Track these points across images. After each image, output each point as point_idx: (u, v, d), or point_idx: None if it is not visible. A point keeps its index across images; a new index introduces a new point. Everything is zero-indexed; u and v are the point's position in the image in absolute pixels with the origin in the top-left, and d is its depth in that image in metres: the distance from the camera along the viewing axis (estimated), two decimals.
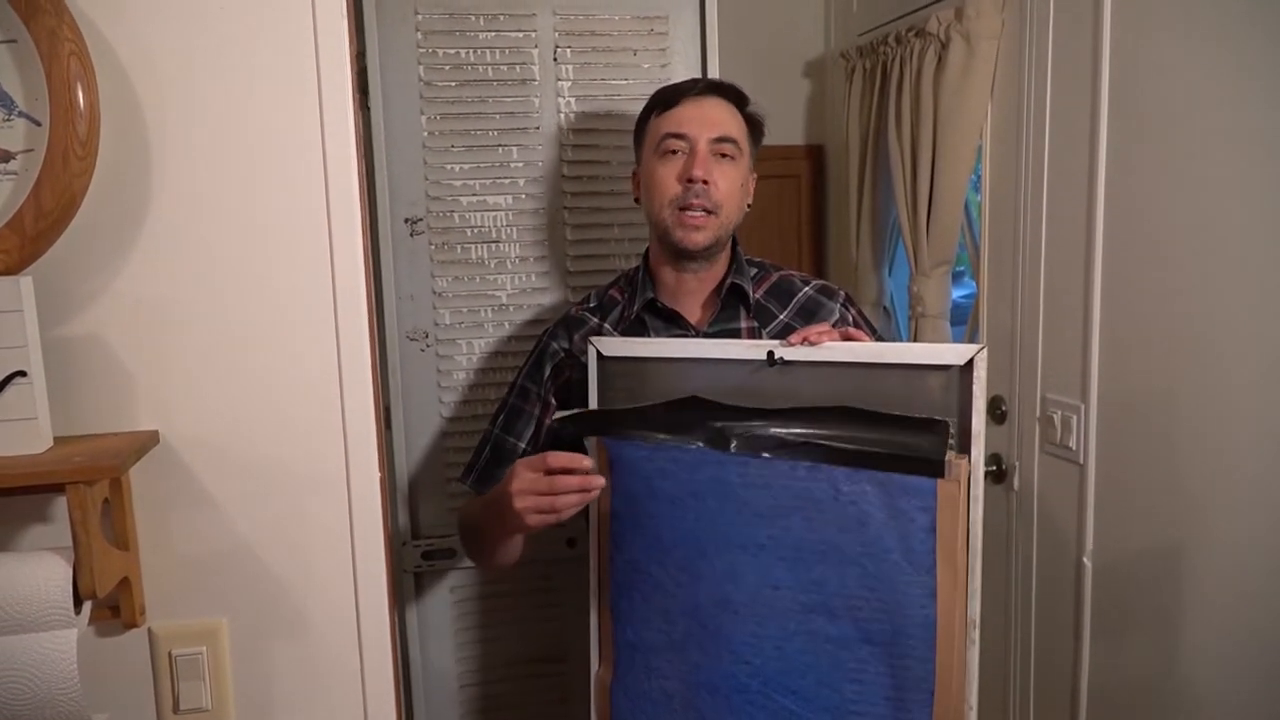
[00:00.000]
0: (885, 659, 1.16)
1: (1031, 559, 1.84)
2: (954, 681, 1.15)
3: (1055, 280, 1.75)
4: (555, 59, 1.76)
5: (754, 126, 1.46)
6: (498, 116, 1.75)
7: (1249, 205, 1.34)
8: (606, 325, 1.48)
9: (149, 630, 1.06)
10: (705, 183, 1.37)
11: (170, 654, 1.07)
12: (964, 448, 1.13)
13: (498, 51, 1.74)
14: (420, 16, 1.71)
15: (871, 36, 2.33)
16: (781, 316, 1.43)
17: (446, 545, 1.83)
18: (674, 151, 1.39)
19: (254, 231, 1.04)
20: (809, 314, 1.43)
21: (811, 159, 2.73)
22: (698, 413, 1.20)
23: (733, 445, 1.17)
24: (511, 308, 1.80)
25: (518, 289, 1.79)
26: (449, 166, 1.75)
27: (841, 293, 1.49)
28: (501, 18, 1.73)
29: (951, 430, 1.12)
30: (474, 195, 1.76)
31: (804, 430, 1.15)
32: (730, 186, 1.40)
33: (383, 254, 1.73)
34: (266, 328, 1.05)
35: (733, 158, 1.40)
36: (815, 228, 2.76)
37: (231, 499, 1.07)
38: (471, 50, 1.73)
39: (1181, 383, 1.46)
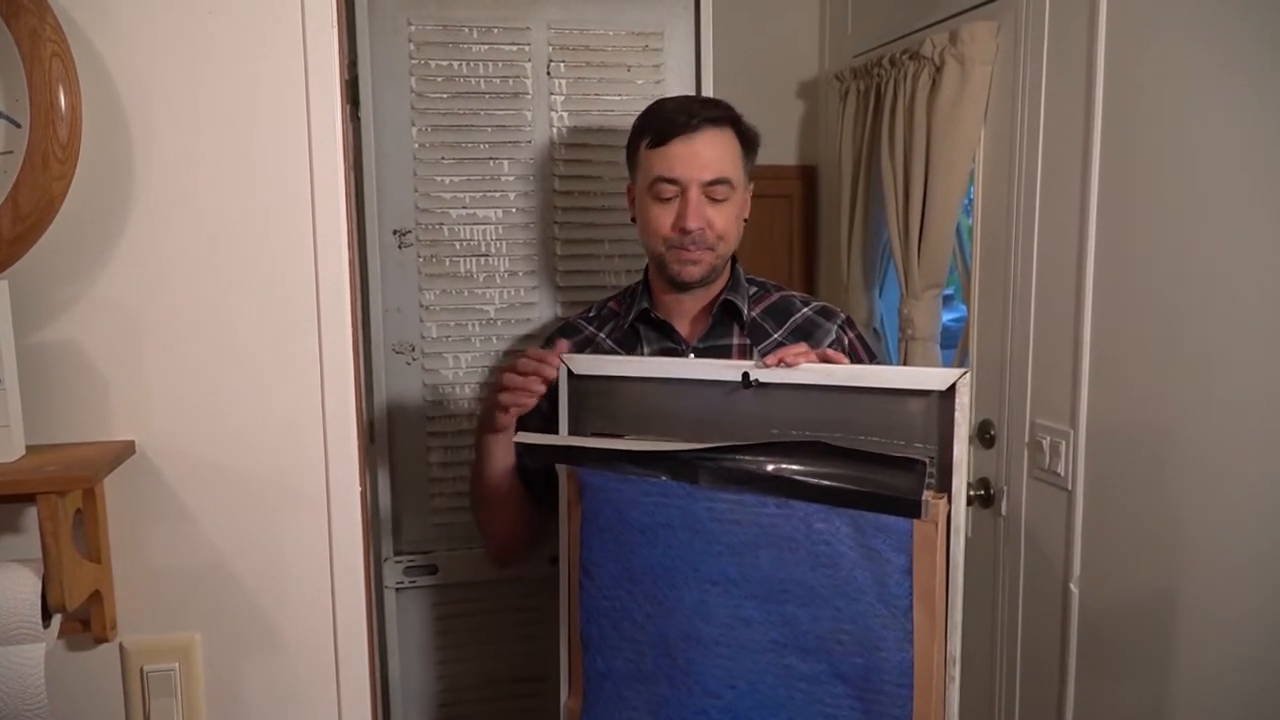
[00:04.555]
0: (860, 699, 1.12)
1: (1018, 584, 1.83)
2: None
3: (1046, 305, 1.74)
4: (549, 73, 1.75)
5: (748, 144, 1.44)
6: (489, 129, 1.74)
7: (1243, 231, 1.33)
8: (601, 335, 1.49)
9: (120, 645, 1.04)
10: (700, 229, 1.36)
11: (142, 670, 1.04)
12: (945, 478, 1.10)
13: (490, 64, 1.73)
14: (413, 28, 1.70)
15: (866, 58, 2.34)
16: (775, 335, 1.43)
17: (429, 562, 1.80)
18: (667, 197, 1.37)
19: (236, 241, 1.02)
20: (804, 334, 1.42)
21: (804, 179, 2.73)
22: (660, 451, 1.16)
23: (700, 477, 1.14)
24: (500, 322, 1.78)
25: (506, 303, 1.78)
26: (439, 179, 1.73)
27: (841, 314, 1.48)
28: (495, 30, 1.72)
29: (930, 468, 1.08)
30: (464, 208, 1.75)
31: (776, 465, 1.11)
32: (726, 222, 1.39)
33: (370, 265, 1.72)
34: (247, 338, 1.04)
35: (726, 198, 1.38)
36: (806, 248, 2.75)
37: (208, 512, 1.05)
38: (464, 62, 1.72)
39: (1172, 410, 1.45)
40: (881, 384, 1.14)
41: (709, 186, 1.36)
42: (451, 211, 1.75)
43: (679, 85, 1.80)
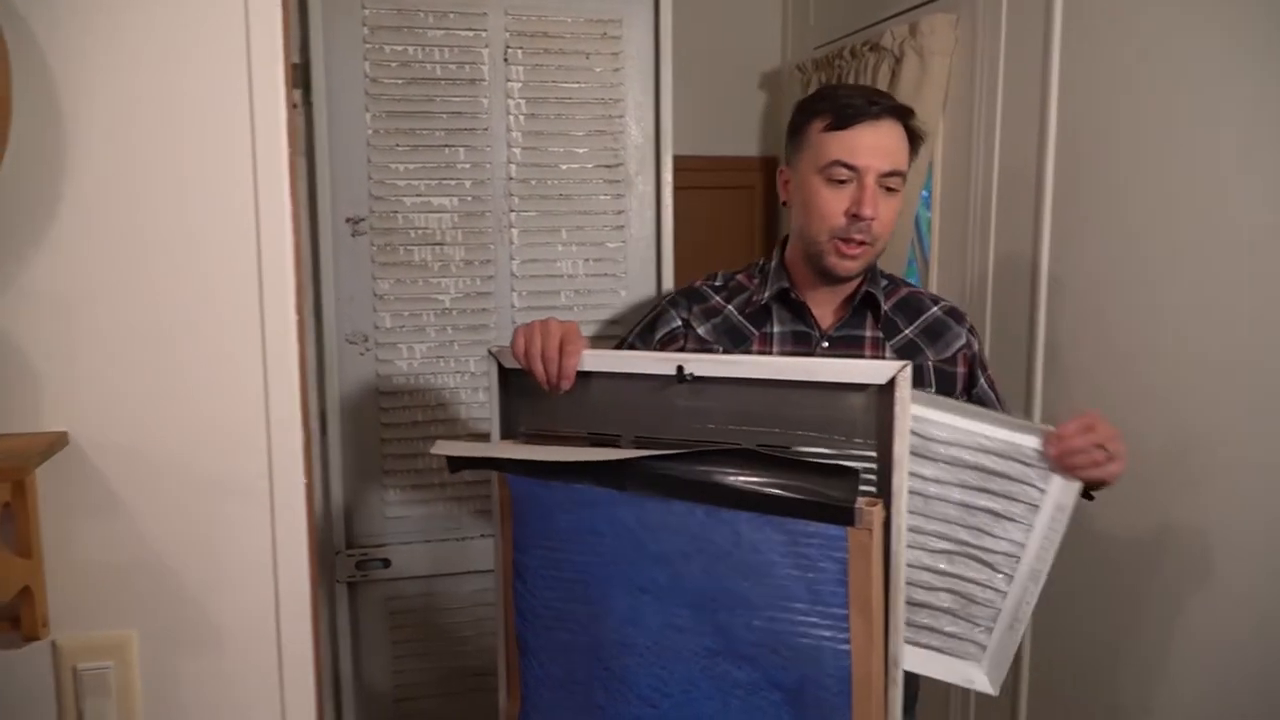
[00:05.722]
0: (798, 706, 1.09)
1: None
2: None
3: (1002, 296, 1.75)
4: (506, 59, 1.73)
5: (915, 143, 1.39)
6: (445, 116, 1.71)
7: (1197, 224, 1.34)
8: (730, 307, 1.44)
9: (52, 643, 1.00)
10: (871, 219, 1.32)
11: (75, 668, 1.01)
12: (885, 475, 1.06)
13: (447, 50, 1.70)
14: (367, 11, 1.66)
15: (827, 50, 2.33)
16: (906, 331, 1.40)
17: (383, 555, 1.78)
18: (842, 181, 1.32)
19: (174, 227, 0.99)
20: (935, 334, 1.40)
21: (766, 170, 2.72)
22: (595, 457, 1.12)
23: (626, 485, 1.10)
24: (455, 311, 1.76)
25: (462, 292, 1.76)
26: (393, 166, 1.71)
27: (967, 318, 1.45)
28: (451, 16, 1.70)
29: (865, 474, 1.05)
30: (418, 196, 1.72)
31: (706, 472, 1.07)
32: (891, 216, 1.35)
33: (322, 254, 1.69)
34: (186, 327, 1.00)
35: (898, 189, 1.35)
36: (769, 239, 2.75)
37: (145, 505, 1.01)
38: (420, 48, 1.69)
39: (1125, 404, 1.46)
40: (819, 378, 1.09)
41: (885, 177, 1.32)
42: (406, 199, 1.72)
43: (639, 73, 1.79)
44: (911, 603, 1.15)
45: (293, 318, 1.04)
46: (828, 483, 1.03)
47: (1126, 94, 1.45)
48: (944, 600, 1.19)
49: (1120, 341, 1.47)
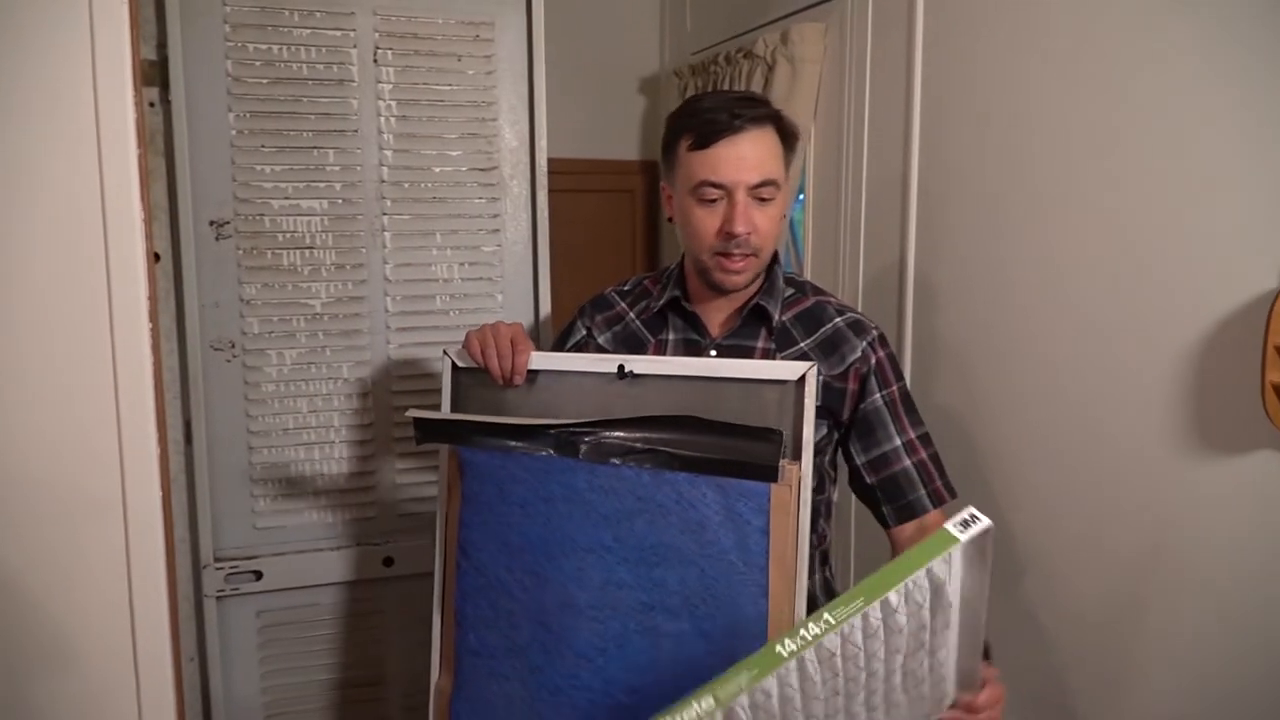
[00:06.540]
0: (721, 655, 1.16)
1: (850, 580, 1.89)
2: None
3: (872, 297, 1.81)
4: (375, 60, 1.70)
5: (789, 141, 1.37)
6: (313, 117, 1.68)
7: (1055, 224, 1.41)
8: (631, 314, 1.45)
9: None
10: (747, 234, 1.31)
11: None
12: (796, 455, 1.20)
13: (314, 50, 1.67)
14: (229, 9, 1.62)
15: (703, 56, 2.37)
16: (802, 344, 1.38)
17: (254, 568, 1.73)
18: (712, 199, 1.31)
19: (15, 233, 0.95)
20: (832, 347, 1.38)
21: (646, 174, 2.74)
22: (548, 425, 1.23)
23: (581, 452, 1.22)
24: (326, 316, 1.72)
25: (333, 297, 1.72)
26: (259, 167, 1.66)
27: (874, 330, 1.42)
28: (318, 15, 1.66)
29: (785, 439, 1.18)
30: (286, 199, 1.68)
31: (649, 438, 1.21)
32: (771, 225, 1.34)
33: (184, 257, 1.63)
34: (30, 336, 0.96)
35: (772, 198, 1.33)
36: (649, 243, 2.77)
37: None
38: (285, 47, 1.65)
39: (985, 402, 1.52)
40: (742, 375, 1.25)
41: (756, 189, 1.31)
42: (273, 202, 1.67)
43: (512, 76, 1.78)
44: None
45: (145, 325, 1.01)
46: (755, 444, 1.17)
47: (986, 99, 1.52)
48: None
49: (984, 339, 1.53)
